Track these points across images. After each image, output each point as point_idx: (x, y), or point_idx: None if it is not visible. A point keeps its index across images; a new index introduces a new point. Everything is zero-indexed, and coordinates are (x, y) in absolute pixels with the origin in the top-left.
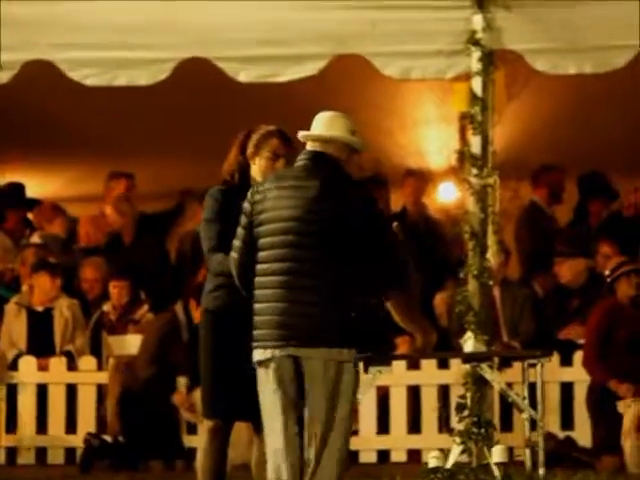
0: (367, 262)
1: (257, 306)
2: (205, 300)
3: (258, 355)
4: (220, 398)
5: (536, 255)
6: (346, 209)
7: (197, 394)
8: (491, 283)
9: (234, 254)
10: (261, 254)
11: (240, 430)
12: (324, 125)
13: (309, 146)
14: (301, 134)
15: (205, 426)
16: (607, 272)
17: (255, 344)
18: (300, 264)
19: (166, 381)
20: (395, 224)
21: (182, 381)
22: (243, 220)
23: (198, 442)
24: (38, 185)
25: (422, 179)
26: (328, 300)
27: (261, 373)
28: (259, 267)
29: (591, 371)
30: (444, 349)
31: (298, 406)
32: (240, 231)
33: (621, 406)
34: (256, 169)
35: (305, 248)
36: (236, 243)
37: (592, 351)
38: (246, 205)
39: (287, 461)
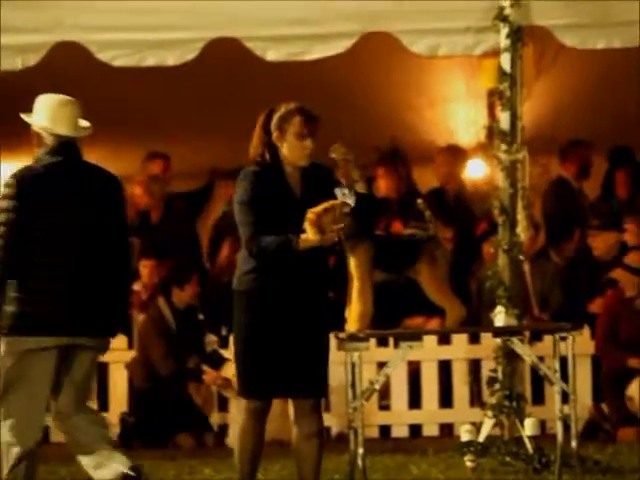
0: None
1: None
2: (238, 282)
3: (43, 342)
4: (257, 377)
5: (560, 227)
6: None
7: (227, 368)
8: (521, 258)
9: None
10: (46, 248)
11: (272, 406)
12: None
13: (63, 134)
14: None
15: (243, 406)
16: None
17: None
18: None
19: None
20: (419, 201)
21: (212, 338)
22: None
23: (230, 420)
24: None
25: (454, 155)
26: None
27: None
28: (44, 260)
29: (604, 358)
30: (475, 323)
31: None
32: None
33: (630, 390)
34: (286, 151)
35: (92, 242)
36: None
37: (603, 340)
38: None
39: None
